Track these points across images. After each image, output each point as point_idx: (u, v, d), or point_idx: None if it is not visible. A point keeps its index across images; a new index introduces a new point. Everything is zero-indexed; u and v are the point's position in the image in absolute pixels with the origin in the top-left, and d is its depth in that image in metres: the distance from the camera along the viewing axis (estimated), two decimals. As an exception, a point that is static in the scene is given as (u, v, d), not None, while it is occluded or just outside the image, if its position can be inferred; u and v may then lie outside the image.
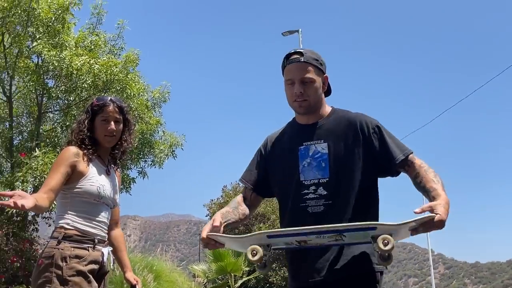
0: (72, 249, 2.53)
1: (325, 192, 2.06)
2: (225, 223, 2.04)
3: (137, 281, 2.87)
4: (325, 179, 2.07)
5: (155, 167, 12.70)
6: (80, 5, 11.15)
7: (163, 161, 12.64)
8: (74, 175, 2.62)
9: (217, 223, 1.97)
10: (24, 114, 12.16)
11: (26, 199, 2.18)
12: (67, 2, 10.77)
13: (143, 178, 12.59)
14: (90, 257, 2.57)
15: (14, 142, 10.98)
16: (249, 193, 2.35)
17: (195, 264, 18.04)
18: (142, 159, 12.58)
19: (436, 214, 1.71)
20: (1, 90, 11.36)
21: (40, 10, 10.48)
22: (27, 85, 11.19)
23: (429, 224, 1.71)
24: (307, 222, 1.95)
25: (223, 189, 24.86)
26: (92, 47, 11.51)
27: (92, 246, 2.61)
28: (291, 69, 2.14)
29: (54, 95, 11.04)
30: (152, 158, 12.63)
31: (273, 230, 1.94)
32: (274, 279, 15.08)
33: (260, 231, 1.85)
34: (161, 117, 13.07)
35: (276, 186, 2.28)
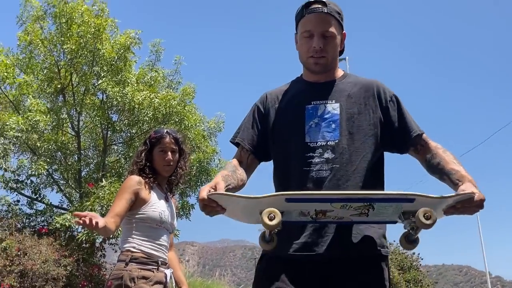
0: (139, 270, 2.70)
1: (333, 156, 1.79)
2: (226, 188, 1.71)
3: None
4: (334, 142, 1.81)
5: (211, 193, 13.12)
6: (140, 44, 11.96)
7: (219, 187, 13.04)
8: (137, 201, 2.81)
9: (221, 186, 1.66)
10: (91, 147, 13.00)
11: (98, 219, 2.37)
12: (128, 42, 11.59)
13: (201, 205, 13.05)
14: (155, 278, 2.73)
15: (82, 174, 11.77)
16: (246, 155, 1.99)
17: None
18: (200, 186, 13.10)
19: (474, 193, 1.51)
20: (70, 126, 12.26)
21: (104, 51, 11.32)
22: (93, 120, 12.03)
23: (468, 204, 1.51)
24: (309, 189, 1.75)
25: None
26: (152, 82, 12.25)
27: (156, 267, 2.78)
28: (311, 19, 1.85)
29: (118, 128, 11.80)
30: (208, 185, 13.09)
31: (293, 192, 1.57)
32: None
33: (278, 192, 1.57)
34: (217, 146, 13.58)
35: (276, 148, 1.95)
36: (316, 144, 1.81)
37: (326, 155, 1.79)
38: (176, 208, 3.21)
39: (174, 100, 11.45)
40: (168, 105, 11.34)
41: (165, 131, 3.03)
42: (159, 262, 2.83)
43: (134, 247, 2.79)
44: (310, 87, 1.95)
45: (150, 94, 11.22)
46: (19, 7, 11.89)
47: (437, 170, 1.78)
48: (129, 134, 12.28)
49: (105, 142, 12.03)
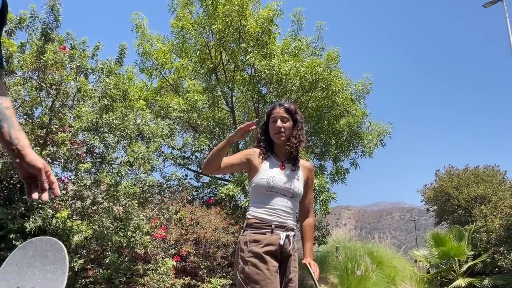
0: (252, 234, 2.90)
1: None
2: None
3: (310, 264, 3.07)
4: None
5: (365, 157, 13.03)
6: (282, 15, 12.14)
7: (372, 150, 12.88)
8: (251, 171, 3.06)
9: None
10: (245, 121, 13.64)
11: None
12: (271, 15, 11.84)
13: (355, 169, 13.04)
14: (266, 240, 2.87)
15: (240, 146, 12.43)
16: None
17: (415, 249, 17.89)
18: (353, 151, 13.06)
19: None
20: (225, 102, 12.98)
21: (249, 26, 11.71)
22: (245, 95, 12.59)
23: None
24: None
25: (436, 173, 24.01)
26: (296, 52, 12.40)
27: (270, 230, 2.91)
28: None
29: (268, 100, 12.20)
30: (361, 149, 12.99)
31: None
32: (503, 263, 14.13)
33: None
34: (366, 109, 13.32)
35: None
36: None
37: None
38: (307, 175, 3.24)
39: (319, 67, 11.46)
40: (313, 72, 11.40)
41: (278, 102, 3.21)
42: (273, 226, 2.94)
43: (250, 214, 3.01)
44: None
45: (295, 64, 11.38)
46: (169, -4, 12.79)
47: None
48: (279, 105, 12.60)
49: (257, 115, 12.53)
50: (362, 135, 12.81)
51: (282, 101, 3.34)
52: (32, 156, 1.53)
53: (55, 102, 6.86)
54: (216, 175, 12.35)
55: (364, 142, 12.84)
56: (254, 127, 2.88)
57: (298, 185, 3.09)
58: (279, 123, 3.10)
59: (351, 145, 12.87)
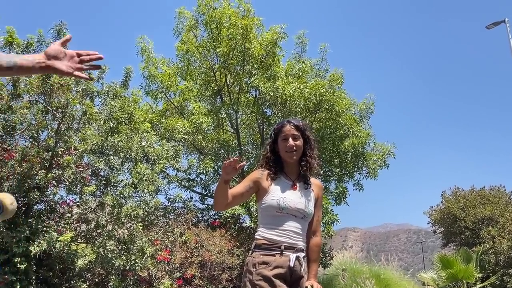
0: (261, 256, 2.79)
1: None
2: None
3: (313, 286, 2.94)
4: None
5: (370, 179, 12.99)
6: (286, 37, 12.26)
7: (377, 171, 12.86)
8: (260, 192, 2.93)
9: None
10: (249, 142, 13.68)
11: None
12: (275, 37, 11.95)
13: (359, 191, 13.00)
14: (275, 263, 2.77)
15: (245, 168, 12.42)
16: None
17: (423, 272, 17.68)
18: (357, 172, 13.03)
19: None
20: (229, 124, 13.03)
21: (253, 49, 11.82)
22: (249, 117, 12.66)
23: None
24: None
25: (442, 194, 23.89)
26: (300, 73, 12.49)
27: (279, 252, 2.81)
28: None
29: (272, 122, 12.24)
30: (366, 170, 12.97)
31: None
32: (513, 285, 13.94)
33: None
34: (370, 129, 13.35)
35: None
36: None
37: None
38: (317, 193, 3.16)
39: (323, 88, 11.54)
40: (317, 93, 11.47)
41: (286, 120, 3.09)
42: (283, 247, 2.85)
43: (259, 235, 2.91)
44: None
45: (299, 85, 11.46)
46: (174, 20, 12.97)
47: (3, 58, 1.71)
48: (283, 127, 12.64)
49: (262, 136, 12.57)
50: (366, 156, 12.79)
51: (291, 118, 3.23)
52: (57, 64, 1.63)
53: (61, 125, 6.90)
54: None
55: (369, 163, 12.81)
56: (243, 163, 2.74)
57: (310, 206, 3.01)
58: (291, 141, 2.99)
59: (356, 166, 12.85)
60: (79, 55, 1.67)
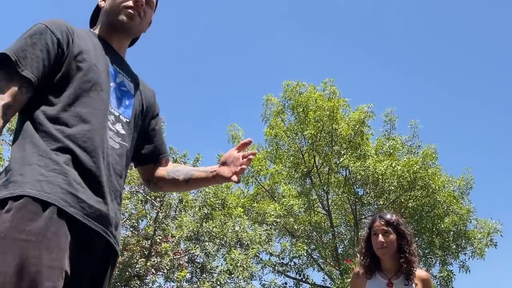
0: None
1: (123, 132, 1.55)
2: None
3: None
4: (126, 119, 1.57)
5: (477, 259, 12.09)
6: (373, 116, 12.24)
7: (484, 251, 11.97)
8: None
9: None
10: (342, 224, 13.37)
11: None
12: (362, 117, 11.97)
13: (465, 272, 12.09)
14: None
15: (339, 250, 12.08)
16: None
17: None
18: (462, 252, 12.20)
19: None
20: (321, 205, 12.89)
21: (341, 129, 11.87)
22: (341, 198, 12.46)
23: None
24: (108, 151, 1.47)
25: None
26: (391, 151, 12.27)
27: None
28: None
29: (365, 201, 11.97)
30: (471, 249, 12.12)
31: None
32: None
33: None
34: (471, 205, 12.63)
35: (80, 79, 1.47)
36: (113, 109, 1.52)
37: (117, 127, 1.53)
38: (421, 286, 2.99)
39: (417, 165, 11.19)
40: (411, 171, 11.13)
41: (378, 215, 3.05)
42: None
43: None
44: (112, 50, 1.63)
45: (391, 163, 11.21)
46: (262, 107, 13.45)
47: (182, 172, 1.73)
48: (377, 206, 12.31)
49: (355, 217, 12.25)
50: (469, 235, 12.00)
51: (383, 212, 3.18)
52: (222, 171, 1.59)
53: (159, 213, 7.18)
54: None
55: (474, 241, 12.00)
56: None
57: None
58: (380, 238, 2.93)
59: (460, 246, 12.06)
60: (244, 156, 1.57)
